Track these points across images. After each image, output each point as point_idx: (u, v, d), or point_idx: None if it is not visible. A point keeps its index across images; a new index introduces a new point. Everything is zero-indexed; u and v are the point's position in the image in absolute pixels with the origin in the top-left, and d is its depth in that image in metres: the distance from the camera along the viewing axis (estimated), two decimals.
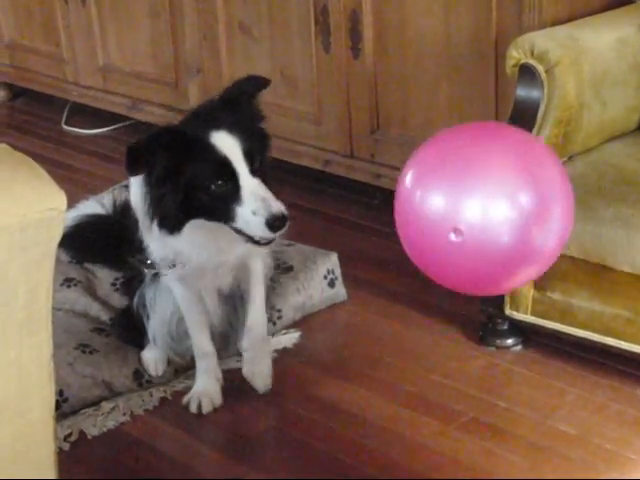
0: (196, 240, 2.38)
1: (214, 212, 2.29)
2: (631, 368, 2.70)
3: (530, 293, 2.76)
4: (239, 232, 2.31)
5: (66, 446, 2.55)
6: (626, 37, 2.84)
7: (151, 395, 2.72)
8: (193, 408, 2.64)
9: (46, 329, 1.87)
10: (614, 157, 2.74)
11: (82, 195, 3.59)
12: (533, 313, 2.77)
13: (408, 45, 3.46)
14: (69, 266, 3.26)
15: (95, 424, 2.62)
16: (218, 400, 2.66)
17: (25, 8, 4.95)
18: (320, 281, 3.13)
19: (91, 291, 3.14)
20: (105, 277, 3.20)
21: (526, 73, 2.71)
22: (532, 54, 2.69)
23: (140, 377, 2.76)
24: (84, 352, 2.75)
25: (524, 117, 2.72)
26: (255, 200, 2.23)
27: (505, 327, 2.86)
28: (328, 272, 3.16)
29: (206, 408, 2.63)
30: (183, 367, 2.83)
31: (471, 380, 2.74)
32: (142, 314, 2.77)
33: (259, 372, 2.69)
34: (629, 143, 2.85)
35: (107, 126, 4.84)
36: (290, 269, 3.12)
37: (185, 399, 2.66)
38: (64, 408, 2.62)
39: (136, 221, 2.52)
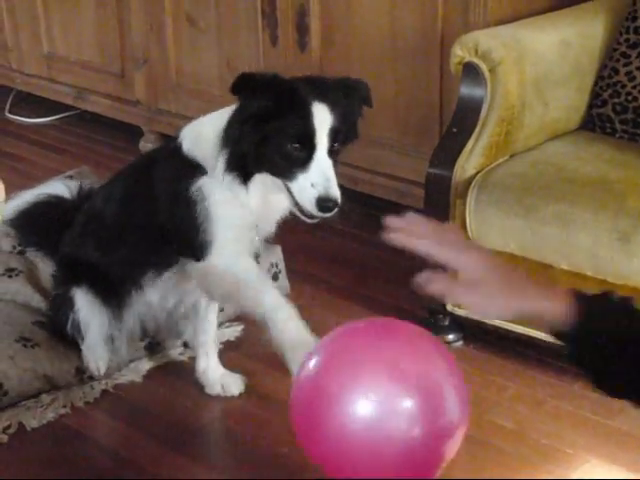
0: (261, 201, 2.41)
1: (279, 169, 2.32)
2: (568, 364, 2.73)
3: None
4: (291, 196, 2.34)
5: (4, 438, 2.53)
6: (568, 39, 2.89)
7: (92, 388, 2.71)
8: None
9: None
10: (555, 156, 2.78)
11: (25, 184, 3.55)
12: None
13: (354, 40, 3.47)
14: (10, 256, 3.22)
15: (35, 416, 2.60)
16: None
17: None
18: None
19: (33, 281, 3.11)
20: (47, 268, 3.16)
21: (470, 71, 2.74)
22: (476, 53, 2.72)
23: (82, 372, 2.73)
24: (25, 346, 2.71)
25: (467, 115, 2.75)
26: (319, 175, 2.27)
27: (446, 323, 2.90)
28: (272, 265, 3.17)
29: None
30: (125, 361, 2.82)
31: None
32: (77, 338, 2.73)
33: (227, 382, 2.71)
34: (570, 142, 2.89)
35: (51, 115, 4.80)
36: None
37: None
38: (3, 401, 2.60)
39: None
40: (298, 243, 3.49)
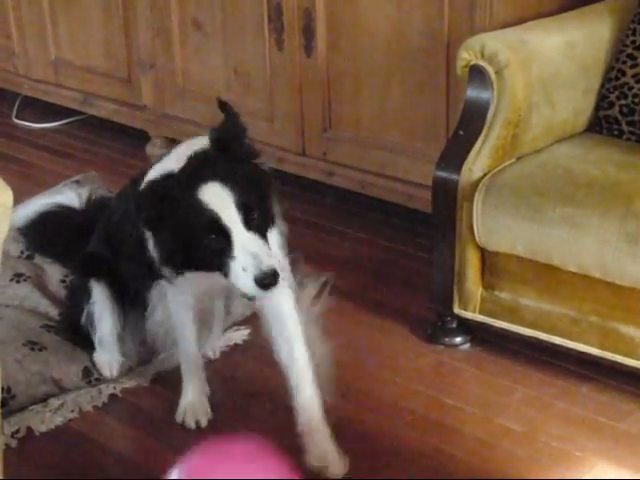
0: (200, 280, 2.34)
1: (210, 265, 2.20)
2: (576, 367, 2.74)
3: (479, 292, 2.79)
4: (234, 286, 2.21)
5: (13, 442, 2.53)
6: (574, 41, 2.88)
7: (100, 392, 2.71)
8: (191, 424, 2.59)
9: None
10: (562, 158, 2.78)
11: (32, 190, 3.56)
12: (481, 312, 2.80)
13: (360, 44, 3.47)
14: (18, 261, 3.23)
15: (43, 420, 2.60)
16: (208, 413, 2.63)
17: None
18: None
19: (41, 286, 3.12)
20: (55, 273, 3.18)
21: (476, 74, 2.74)
22: (482, 55, 2.72)
23: (89, 375, 2.75)
24: (33, 349, 2.73)
25: (474, 117, 2.75)
26: (245, 256, 2.12)
27: (454, 325, 2.89)
28: None
29: (203, 422, 2.60)
30: (135, 364, 2.83)
31: (420, 378, 2.77)
32: (90, 331, 2.75)
33: (332, 457, 2.39)
34: (577, 144, 2.88)
35: (58, 120, 4.81)
36: None
37: (179, 417, 2.61)
38: (11, 405, 2.60)
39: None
40: (306, 247, 3.49)
